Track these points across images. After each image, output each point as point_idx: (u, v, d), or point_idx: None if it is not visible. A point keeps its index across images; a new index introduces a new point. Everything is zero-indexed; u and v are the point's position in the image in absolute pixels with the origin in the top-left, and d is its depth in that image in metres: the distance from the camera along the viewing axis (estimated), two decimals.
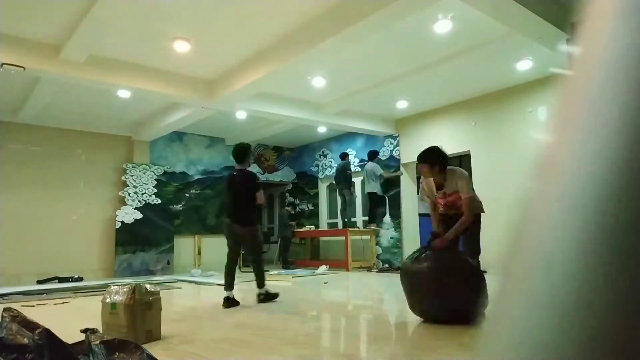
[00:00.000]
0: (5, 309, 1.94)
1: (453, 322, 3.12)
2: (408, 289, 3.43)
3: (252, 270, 4.83)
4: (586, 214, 0.29)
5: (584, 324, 0.27)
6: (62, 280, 7.85)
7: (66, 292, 6.10)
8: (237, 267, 4.89)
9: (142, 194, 9.40)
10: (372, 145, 9.94)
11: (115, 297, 2.93)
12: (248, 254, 4.92)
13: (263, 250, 5.13)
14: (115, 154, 9.30)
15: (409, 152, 9.24)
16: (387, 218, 9.40)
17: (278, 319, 3.92)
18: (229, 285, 4.62)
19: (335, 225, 10.88)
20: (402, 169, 9.36)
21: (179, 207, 9.89)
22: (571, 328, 0.27)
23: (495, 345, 0.32)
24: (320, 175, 11.31)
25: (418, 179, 9.62)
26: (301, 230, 10.50)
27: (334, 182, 9.86)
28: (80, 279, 8.05)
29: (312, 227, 10.62)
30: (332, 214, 11.21)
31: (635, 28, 0.29)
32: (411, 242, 9.19)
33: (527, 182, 0.35)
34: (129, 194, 9.23)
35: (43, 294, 6.01)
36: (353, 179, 10.58)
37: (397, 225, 9.16)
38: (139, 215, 9.21)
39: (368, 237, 9.36)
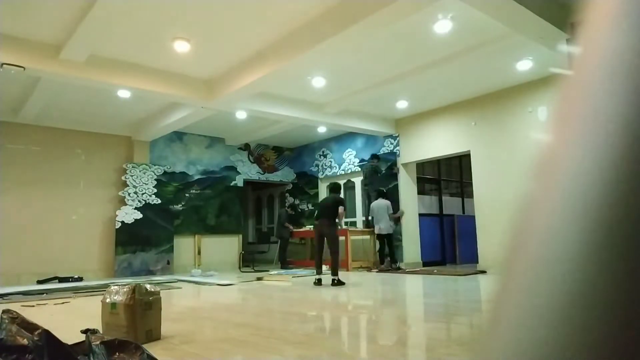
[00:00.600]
0: (4, 311, 1.94)
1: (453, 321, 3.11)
2: None
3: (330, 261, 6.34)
4: (586, 213, 0.29)
5: (584, 324, 0.27)
6: (62, 280, 7.85)
7: (66, 292, 6.10)
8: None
9: (142, 194, 9.41)
10: (372, 145, 9.94)
11: (115, 297, 2.93)
12: (330, 250, 6.37)
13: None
14: (115, 154, 9.30)
15: (409, 152, 9.25)
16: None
17: (278, 319, 3.92)
18: (318, 268, 6.48)
19: None
20: (401, 168, 9.35)
21: (179, 207, 9.89)
22: (571, 328, 0.27)
23: (495, 346, 0.32)
24: (320, 175, 11.31)
25: (418, 179, 9.68)
26: (301, 230, 10.51)
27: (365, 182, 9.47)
28: (80, 279, 8.05)
29: (312, 227, 10.62)
30: None
31: (635, 28, 0.29)
32: (411, 242, 9.20)
33: (526, 182, 0.35)
34: (129, 194, 9.24)
35: (43, 294, 6.01)
36: (353, 179, 10.60)
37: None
38: (139, 215, 9.21)
39: (368, 237, 9.36)
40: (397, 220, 8.80)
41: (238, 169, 11.09)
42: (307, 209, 11.59)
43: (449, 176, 11.47)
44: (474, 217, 8.01)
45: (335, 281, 6.23)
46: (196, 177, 10.30)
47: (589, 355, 0.26)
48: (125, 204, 9.17)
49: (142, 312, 2.90)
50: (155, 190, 9.56)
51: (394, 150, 9.46)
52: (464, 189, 11.35)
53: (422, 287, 6.18)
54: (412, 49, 5.97)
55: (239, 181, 11.07)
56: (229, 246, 10.58)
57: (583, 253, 0.28)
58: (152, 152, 9.75)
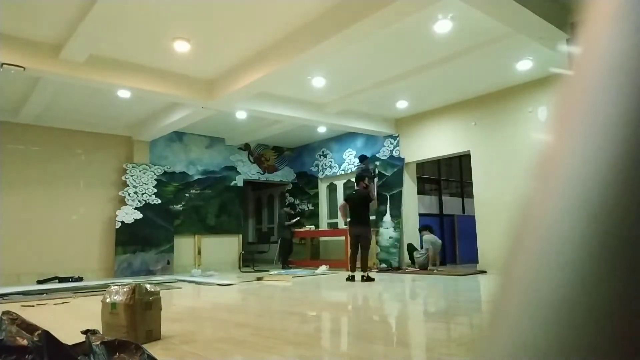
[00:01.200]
0: (4, 312, 1.94)
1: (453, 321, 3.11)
2: None
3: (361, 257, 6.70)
4: (586, 213, 0.29)
5: (584, 324, 0.27)
6: (62, 280, 7.85)
7: (66, 292, 6.10)
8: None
9: (142, 194, 9.41)
10: (372, 145, 9.94)
11: (115, 297, 2.93)
12: (361, 246, 6.71)
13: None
14: (115, 154, 9.30)
15: (409, 152, 9.25)
16: (387, 217, 9.39)
17: (278, 319, 3.92)
18: (352, 267, 6.81)
19: (335, 225, 10.88)
20: (402, 168, 9.35)
21: (179, 207, 9.89)
22: (571, 328, 0.27)
23: (495, 345, 0.32)
24: (320, 175, 11.31)
25: (418, 179, 9.68)
26: (301, 230, 10.51)
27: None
28: (80, 279, 8.05)
29: (312, 227, 10.63)
30: (332, 213, 11.21)
31: (635, 28, 0.29)
32: (411, 242, 9.19)
33: (526, 182, 0.35)
34: (129, 194, 9.24)
35: (43, 294, 6.01)
36: (352, 180, 10.60)
37: (397, 225, 9.15)
38: (139, 215, 9.21)
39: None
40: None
41: (238, 169, 11.09)
42: (307, 209, 11.59)
43: (449, 176, 11.47)
44: (474, 217, 8.01)
45: (365, 277, 6.59)
46: (196, 177, 10.30)
47: (589, 355, 0.26)
48: (125, 204, 9.17)
49: (142, 312, 2.90)
50: (155, 190, 9.56)
51: (393, 153, 9.46)
52: (464, 189, 11.35)
53: (422, 287, 6.18)
54: (412, 49, 5.97)
55: (239, 181, 11.07)
56: (229, 246, 10.58)
57: (583, 253, 0.28)
58: (152, 152, 9.75)
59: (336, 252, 10.20)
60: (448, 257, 10.11)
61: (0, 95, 7.16)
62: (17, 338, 1.75)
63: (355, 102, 8.10)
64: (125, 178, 9.21)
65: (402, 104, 8.50)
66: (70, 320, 3.99)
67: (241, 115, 8.31)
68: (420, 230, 8.82)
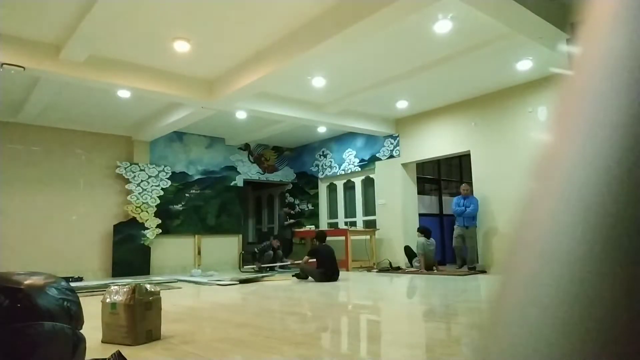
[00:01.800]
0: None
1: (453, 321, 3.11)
2: None
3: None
4: (586, 213, 0.29)
5: (584, 324, 0.27)
6: None
7: None
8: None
9: (142, 194, 9.41)
10: (372, 145, 9.94)
11: (115, 297, 2.93)
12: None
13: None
14: (115, 154, 9.30)
15: (409, 152, 9.25)
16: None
17: (278, 319, 3.92)
18: None
19: (335, 225, 10.89)
20: (402, 168, 9.36)
21: (179, 207, 9.89)
22: (571, 328, 0.27)
23: (495, 345, 0.32)
24: (320, 175, 11.31)
25: (418, 179, 9.68)
26: (301, 230, 10.51)
27: None
28: (80, 279, 8.05)
29: (312, 227, 10.63)
30: (332, 214, 11.22)
31: (635, 28, 0.30)
32: (411, 242, 9.19)
33: (526, 182, 0.35)
34: (129, 193, 9.24)
35: None
36: (352, 180, 10.60)
37: None
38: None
39: (368, 237, 9.36)
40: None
41: (238, 169, 11.09)
42: (307, 209, 11.59)
43: (449, 176, 11.47)
44: None
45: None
46: (196, 177, 10.30)
47: (589, 355, 0.26)
48: (125, 204, 9.17)
49: (142, 312, 2.90)
50: (155, 190, 9.56)
51: (393, 153, 9.47)
52: None
53: (422, 287, 6.18)
54: (412, 49, 5.97)
55: (239, 181, 11.07)
56: (229, 246, 10.58)
57: (583, 253, 0.28)
58: (152, 152, 9.75)
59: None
60: (448, 257, 10.11)
61: (0, 95, 7.16)
62: None
63: (355, 102, 8.10)
64: (126, 178, 9.21)
65: (402, 104, 8.50)
66: None
67: (241, 115, 8.31)
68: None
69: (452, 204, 8.10)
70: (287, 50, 5.53)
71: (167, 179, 9.79)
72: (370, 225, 9.80)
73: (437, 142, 8.74)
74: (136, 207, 9.27)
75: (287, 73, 6.01)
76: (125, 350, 2.45)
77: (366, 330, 3.45)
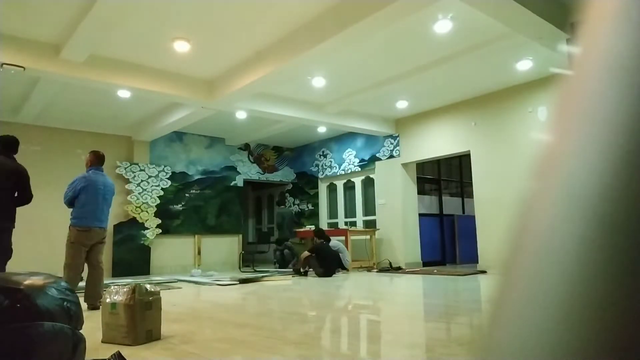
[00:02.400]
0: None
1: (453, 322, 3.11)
2: None
3: None
4: (586, 213, 0.29)
5: (583, 324, 0.27)
6: None
7: None
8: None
9: (142, 194, 9.41)
10: (372, 145, 9.95)
11: (115, 297, 2.93)
12: None
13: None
14: (115, 154, 9.30)
15: (409, 152, 9.25)
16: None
17: (278, 319, 3.92)
18: None
19: (335, 225, 10.89)
20: (402, 168, 9.35)
21: (179, 207, 9.89)
22: (571, 328, 0.27)
23: (495, 346, 0.32)
24: (320, 175, 11.31)
25: (418, 179, 9.68)
26: (301, 230, 10.50)
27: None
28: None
29: (312, 227, 10.61)
30: (332, 214, 11.22)
31: (635, 28, 0.29)
32: (412, 242, 9.20)
33: (526, 182, 0.35)
34: (129, 193, 9.24)
35: None
36: (352, 179, 10.61)
37: None
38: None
39: (368, 237, 9.36)
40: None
41: (238, 169, 11.09)
42: (307, 209, 11.59)
43: (449, 176, 11.47)
44: (474, 217, 8.01)
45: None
46: (196, 177, 10.30)
47: (589, 354, 0.26)
48: (125, 204, 9.17)
49: (142, 312, 2.90)
50: (155, 190, 9.56)
51: (393, 153, 9.47)
52: (464, 189, 11.35)
53: (422, 287, 6.18)
54: (412, 49, 5.97)
55: (239, 181, 11.06)
56: (229, 246, 10.58)
57: (583, 253, 0.28)
58: (152, 152, 9.75)
59: None
60: (448, 257, 10.11)
61: (0, 95, 7.16)
62: None
63: (355, 102, 8.10)
64: (126, 177, 9.21)
65: (402, 104, 8.50)
66: None
67: (241, 115, 8.31)
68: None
69: None
70: (287, 50, 5.53)
71: (167, 179, 9.79)
72: (370, 225, 9.80)
73: (437, 142, 8.74)
74: (136, 207, 9.27)
75: (287, 73, 6.01)
76: (125, 350, 2.45)
77: (366, 330, 3.45)
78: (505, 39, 5.53)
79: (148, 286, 3.06)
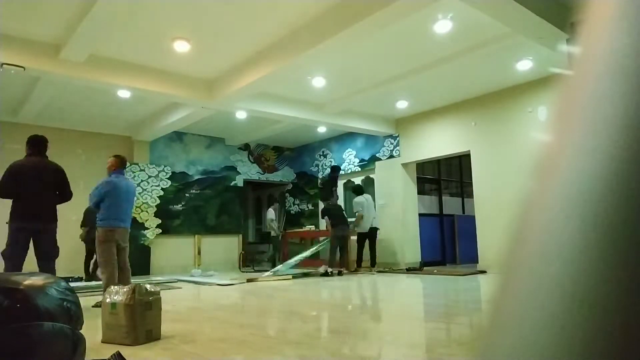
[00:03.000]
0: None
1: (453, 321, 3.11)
2: None
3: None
4: (586, 213, 0.29)
5: (584, 324, 0.27)
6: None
7: None
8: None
9: (142, 194, 9.41)
10: (372, 145, 9.94)
11: (115, 297, 2.93)
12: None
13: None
14: (115, 154, 9.28)
15: (409, 152, 9.25)
16: None
17: (278, 319, 3.92)
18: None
19: None
20: (402, 168, 9.35)
21: (179, 207, 9.89)
22: (571, 328, 0.27)
23: (495, 345, 0.32)
24: (320, 175, 11.31)
25: (418, 179, 9.68)
26: (301, 230, 10.49)
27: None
28: (80, 279, 8.05)
29: (312, 227, 10.62)
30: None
31: (635, 28, 0.29)
32: (412, 242, 9.20)
33: (526, 182, 0.35)
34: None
35: None
36: (352, 179, 10.60)
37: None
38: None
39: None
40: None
41: (238, 169, 11.09)
42: (307, 209, 11.59)
43: (449, 176, 11.47)
44: (474, 217, 8.01)
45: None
46: (196, 177, 10.30)
47: (589, 355, 0.26)
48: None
49: (142, 312, 2.90)
50: (155, 190, 9.56)
51: (393, 153, 9.47)
52: (464, 189, 11.35)
53: (422, 287, 6.18)
54: (412, 49, 5.97)
55: (239, 181, 11.06)
56: (229, 246, 10.58)
57: (583, 253, 0.28)
58: (152, 152, 9.75)
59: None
60: (448, 257, 10.11)
61: (0, 95, 7.16)
62: None
63: (355, 102, 8.10)
64: (127, 176, 9.21)
65: (402, 104, 8.50)
66: None
67: (241, 115, 8.31)
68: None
69: None
70: (287, 50, 5.53)
71: (167, 179, 9.79)
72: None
73: (437, 142, 8.74)
74: (136, 207, 9.27)
75: (287, 73, 6.01)
76: (125, 350, 2.45)
77: (366, 330, 3.45)
78: (505, 39, 5.53)
79: (148, 286, 3.06)
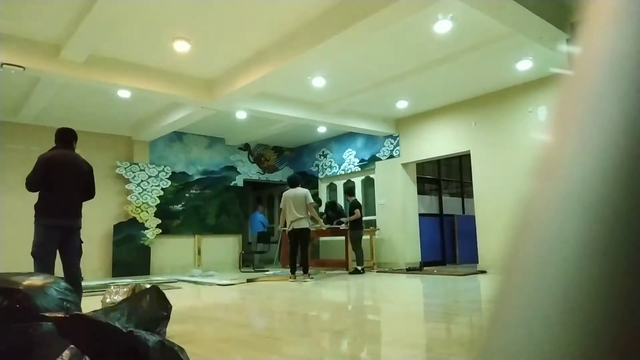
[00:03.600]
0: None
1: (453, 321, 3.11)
2: None
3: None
4: (586, 214, 0.29)
5: (584, 324, 0.27)
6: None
7: None
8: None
9: (142, 194, 9.41)
10: (372, 145, 9.94)
11: (115, 297, 2.93)
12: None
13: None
14: (115, 154, 9.30)
15: (409, 152, 9.25)
16: None
17: (278, 319, 3.93)
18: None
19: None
20: (402, 168, 9.36)
21: (179, 207, 9.89)
22: (571, 328, 0.27)
23: (495, 346, 0.32)
24: (320, 175, 11.31)
25: (418, 179, 9.68)
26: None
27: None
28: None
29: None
30: None
31: (635, 28, 0.29)
32: (411, 242, 9.20)
33: (527, 182, 0.35)
34: (129, 193, 9.24)
35: None
36: (353, 179, 10.61)
37: None
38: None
39: (368, 237, 9.36)
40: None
41: (238, 169, 11.09)
42: None
43: (449, 176, 11.47)
44: (474, 217, 8.01)
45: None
46: (196, 177, 10.30)
47: (589, 355, 0.26)
48: (125, 204, 9.17)
49: None
50: (155, 190, 9.56)
51: (393, 153, 9.47)
52: (464, 189, 11.35)
53: (422, 287, 6.18)
54: (412, 49, 5.97)
55: (239, 181, 11.07)
56: (229, 246, 10.58)
57: (583, 253, 0.28)
58: (152, 152, 9.75)
59: (336, 252, 10.19)
60: (448, 257, 10.11)
61: (0, 95, 7.16)
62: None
63: (355, 102, 8.10)
64: (126, 178, 9.21)
65: (402, 104, 8.50)
66: None
67: (241, 115, 8.31)
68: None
69: None
70: (287, 50, 5.53)
71: (167, 179, 9.79)
72: (370, 225, 9.79)
73: (437, 142, 8.74)
74: (136, 207, 9.27)
75: (287, 73, 6.01)
76: None
77: (366, 330, 3.45)
78: (505, 39, 5.53)
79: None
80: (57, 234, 3.78)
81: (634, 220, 0.27)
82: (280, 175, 11.99)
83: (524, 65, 6.60)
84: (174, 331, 3.22)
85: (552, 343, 0.28)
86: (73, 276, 3.74)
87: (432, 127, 8.84)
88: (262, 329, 3.37)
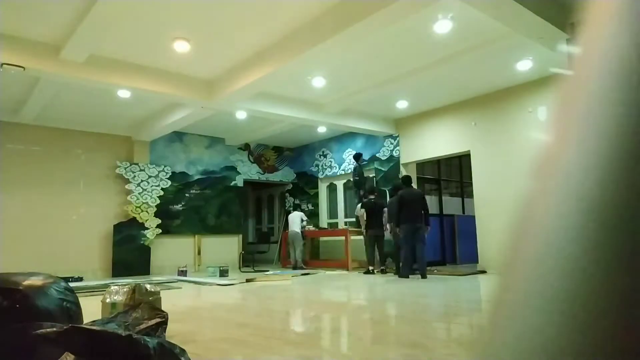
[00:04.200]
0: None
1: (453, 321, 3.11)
2: None
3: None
4: (586, 213, 0.29)
5: (584, 324, 0.27)
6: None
7: None
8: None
9: (142, 194, 9.41)
10: (372, 145, 9.94)
11: (115, 297, 2.93)
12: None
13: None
14: (115, 154, 9.30)
15: (409, 152, 9.25)
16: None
17: (278, 319, 3.92)
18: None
19: (335, 225, 10.88)
20: (402, 168, 9.35)
21: (179, 207, 9.89)
22: (571, 328, 0.27)
23: (495, 346, 0.32)
24: (320, 175, 11.31)
25: (418, 179, 9.67)
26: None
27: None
28: (80, 279, 8.05)
29: (312, 227, 10.62)
30: (332, 214, 11.21)
31: (635, 28, 0.29)
32: None
33: (526, 182, 0.35)
34: (129, 193, 9.24)
35: None
36: (351, 179, 10.61)
37: None
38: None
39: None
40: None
41: (238, 169, 11.09)
42: (307, 209, 11.59)
43: (449, 176, 11.47)
44: (474, 217, 8.01)
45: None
46: (196, 177, 10.30)
47: (589, 355, 0.26)
48: (125, 204, 9.17)
49: None
50: (155, 190, 9.56)
51: (393, 153, 9.47)
52: (464, 189, 11.35)
53: (422, 287, 6.18)
54: (412, 49, 5.97)
55: (239, 181, 11.07)
56: (229, 246, 10.58)
57: (583, 253, 0.28)
58: (152, 152, 9.75)
59: (336, 252, 10.20)
60: (448, 257, 10.10)
61: (0, 95, 7.16)
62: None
63: (355, 102, 8.10)
64: (126, 178, 9.21)
65: (402, 104, 8.50)
66: None
67: (241, 115, 8.31)
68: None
69: None
70: (287, 50, 5.53)
71: (167, 179, 9.80)
72: None
73: (437, 142, 8.74)
74: (136, 207, 9.27)
75: (287, 73, 6.01)
76: None
77: (366, 330, 3.44)
78: (505, 39, 5.53)
79: (148, 286, 3.06)
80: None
81: (634, 220, 0.27)
82: (280, 175, 11.99)
83: (524, 65, 6.60)
84: (174, 331, 3.22)
85: (552, 342, 0.28)
86: None
87: (432, 127, 8.84)
88: (262, 329, 3.37)
